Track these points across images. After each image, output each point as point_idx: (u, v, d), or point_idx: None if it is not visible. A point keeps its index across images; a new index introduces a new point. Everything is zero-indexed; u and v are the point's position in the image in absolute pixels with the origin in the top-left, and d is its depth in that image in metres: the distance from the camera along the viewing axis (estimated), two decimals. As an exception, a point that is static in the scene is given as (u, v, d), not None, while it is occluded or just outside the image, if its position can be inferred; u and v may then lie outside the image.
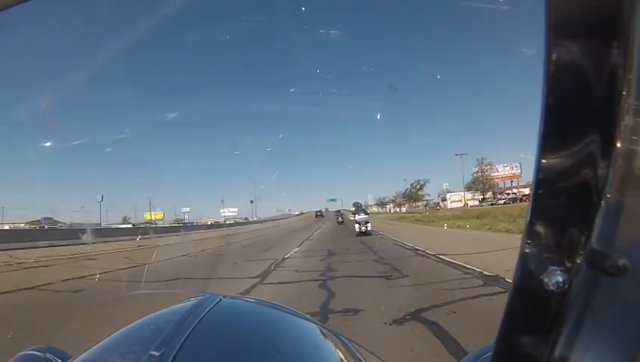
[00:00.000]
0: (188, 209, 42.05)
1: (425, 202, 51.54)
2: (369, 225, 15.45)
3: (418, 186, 51.18)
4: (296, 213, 50.84)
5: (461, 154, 43.32)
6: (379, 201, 58.97)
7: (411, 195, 52.30)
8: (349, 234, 16.35)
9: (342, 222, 24.46)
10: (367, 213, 17.02)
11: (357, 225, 15.62)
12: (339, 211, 30.32)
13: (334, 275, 7.05)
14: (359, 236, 14.93)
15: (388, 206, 57.32)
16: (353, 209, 19.25)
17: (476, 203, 44.21)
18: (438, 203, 50.10)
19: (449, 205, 46.66)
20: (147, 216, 40.40)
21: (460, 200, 46.18)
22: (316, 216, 40.99)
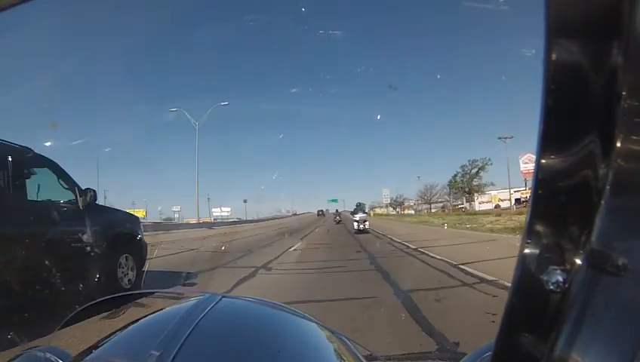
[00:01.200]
0: (178, 208, 40.06)
1: (441, 203, 34.80)
2: (367, 223, 16.34)
3: (475, 170, 30.31)
4: (290, 214, 48.41)
5: (505, 138, 26.33)
6: (392, 201, 40.60)
7: (463, 185, 31.66)
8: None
9: (339, 221, 24.96)
10: (365, 213, 17.89)
11: (355, 223, 16.48)
12: (337, 211, 30.89)
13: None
14: (357, 234, 15.14)
15: (396, 208, 40.82)
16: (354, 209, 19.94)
17: (505, 203, 29.18)
18: (458, 204, 35.59)
19: (477, 206, 32.86)
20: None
21: (490, 201, 32.17)
22: (317, 215, 41.49)
